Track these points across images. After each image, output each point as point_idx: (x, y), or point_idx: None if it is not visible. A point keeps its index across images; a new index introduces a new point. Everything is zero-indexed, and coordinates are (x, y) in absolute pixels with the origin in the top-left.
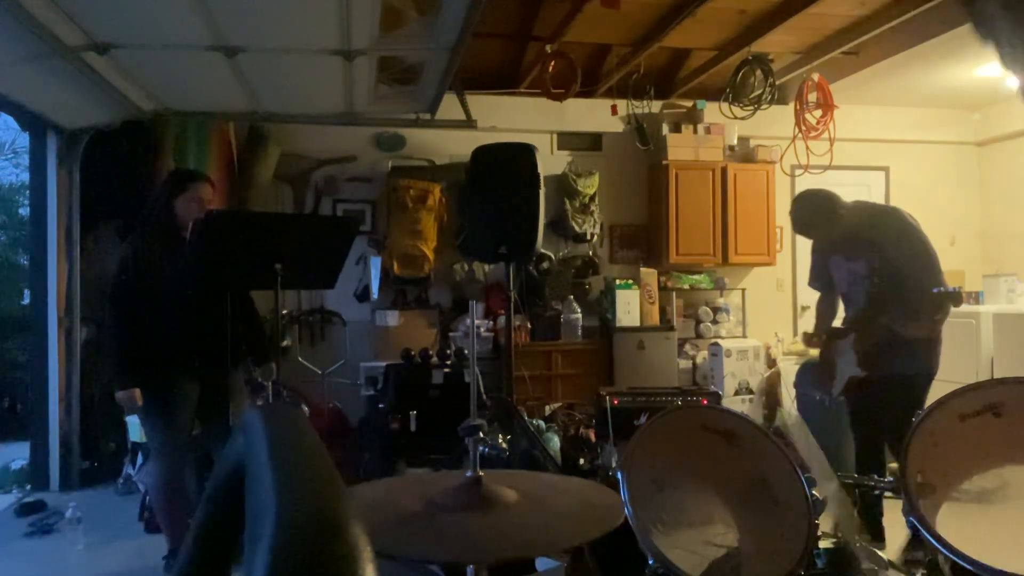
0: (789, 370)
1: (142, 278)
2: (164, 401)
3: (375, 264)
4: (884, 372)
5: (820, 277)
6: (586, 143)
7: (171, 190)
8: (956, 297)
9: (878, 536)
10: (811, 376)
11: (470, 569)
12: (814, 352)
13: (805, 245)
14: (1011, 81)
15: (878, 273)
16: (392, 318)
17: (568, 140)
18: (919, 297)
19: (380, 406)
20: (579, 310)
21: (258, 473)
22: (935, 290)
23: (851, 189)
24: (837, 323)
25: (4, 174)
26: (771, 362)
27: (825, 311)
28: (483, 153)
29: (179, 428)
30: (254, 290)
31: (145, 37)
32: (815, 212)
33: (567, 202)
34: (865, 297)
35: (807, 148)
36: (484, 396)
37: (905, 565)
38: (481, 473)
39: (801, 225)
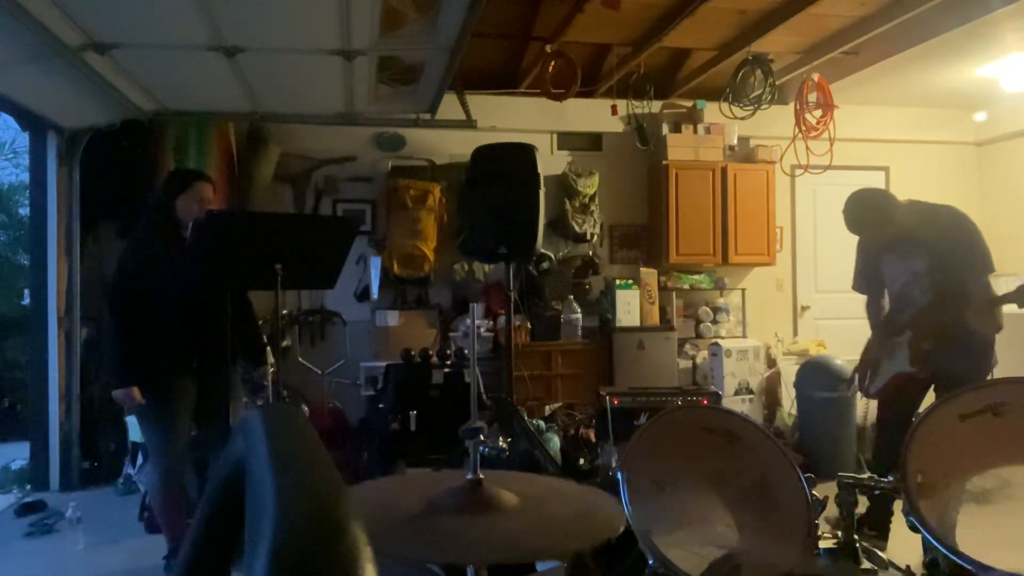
0: (789, 370)
1: (142, 277)
2: (163, 402)
3: (375, 264)
4: (945, 372)
5: (866, 277)
6: (586, 143)
7: (172, 189)
8: None
9: (883, 536)
10: (855, 372)
11: (470, 569)
12: (813, 351)
13: (806, 245)
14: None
15: (939, 270)
16: (392, 318)
17: (568, 140)
18: (989, 291)
19: (380, 406)
20: (579, 310)
21: (258, 473)
22: (1019, 283)
23: (851, 189)
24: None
25: (4, 174)
26: (771, 362)
27: (875, 313)
28: (483, 153)
29: (178, 429)
30: (254, 290)
31: (145, 37)
32: (870, 210)
33: (567, 202)
34: (928, 295)
35: (807, 148)
36: (484, 396)
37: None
38: (481, 475)
39: (855, 224)
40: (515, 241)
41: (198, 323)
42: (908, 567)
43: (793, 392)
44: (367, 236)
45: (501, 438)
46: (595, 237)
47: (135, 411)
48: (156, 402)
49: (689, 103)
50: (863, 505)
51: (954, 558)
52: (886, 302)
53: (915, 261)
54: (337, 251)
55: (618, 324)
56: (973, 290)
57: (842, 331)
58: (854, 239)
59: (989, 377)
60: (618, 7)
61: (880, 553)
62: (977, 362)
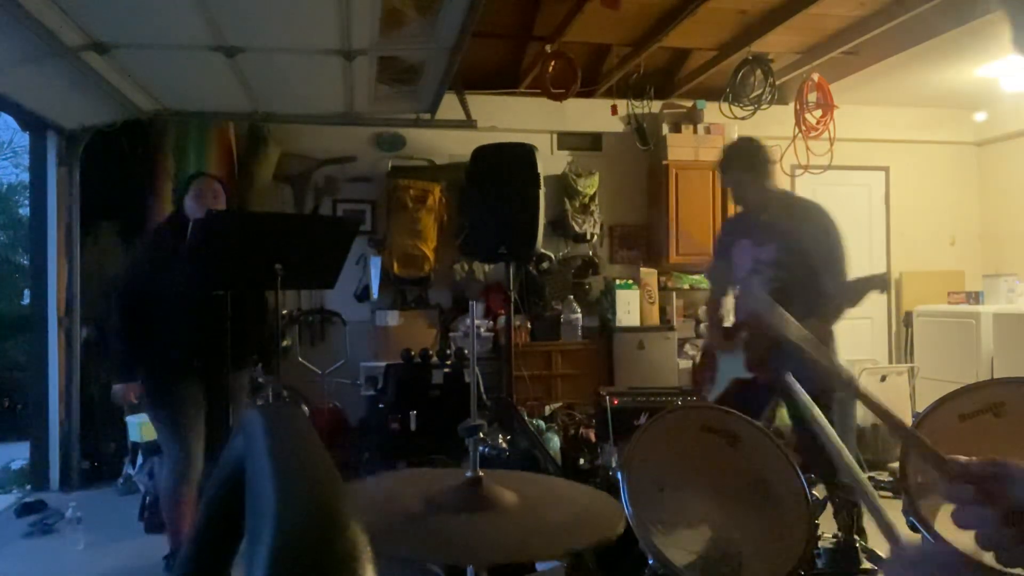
0: None
1: (152, 275)
2: (177, 402)
3: (375, 264)
4: (779, 381)
5: (716, 262)
6: (586, 143)
7: (179, 192)
8: (881, 281)
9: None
10: (694, 377)
11: (470, 569)
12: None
13: None
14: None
15: (784, 265)
16: (392, 318)
17: (568, 140)
18: (816, 297)
19: (380, 406)
20: (579, 310)
21: (258, 473)
22: (851, 280)
23: (851, 189)
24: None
25: (4, 174)
26: None
27: (712, 306)
28: (483, 153)
29: (194, 429)
30: (253, 290)
31: (145, 37)
32: (748, 150)
33: (567, 202)
34: (766, 289)
35: (807, 148)
36: (484, 396)
37: None
38: (481, 473)
39: (731, 159)
40: (515, 241)
41: (203, 324)
42: None
43: None
44: (367, 236)
45: (501, 437)
46: (595, 237)
47: (149, 412)
48: (171, 402)
49: (689, 103)
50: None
51: None
52: (730, 299)
53: (764, 250)
54: (337, 251)
55: (618, 324)
56: (812, 292)
57: (842, 331)
58: (854, 239)
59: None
60: (618, 7)
61: (880, 553)
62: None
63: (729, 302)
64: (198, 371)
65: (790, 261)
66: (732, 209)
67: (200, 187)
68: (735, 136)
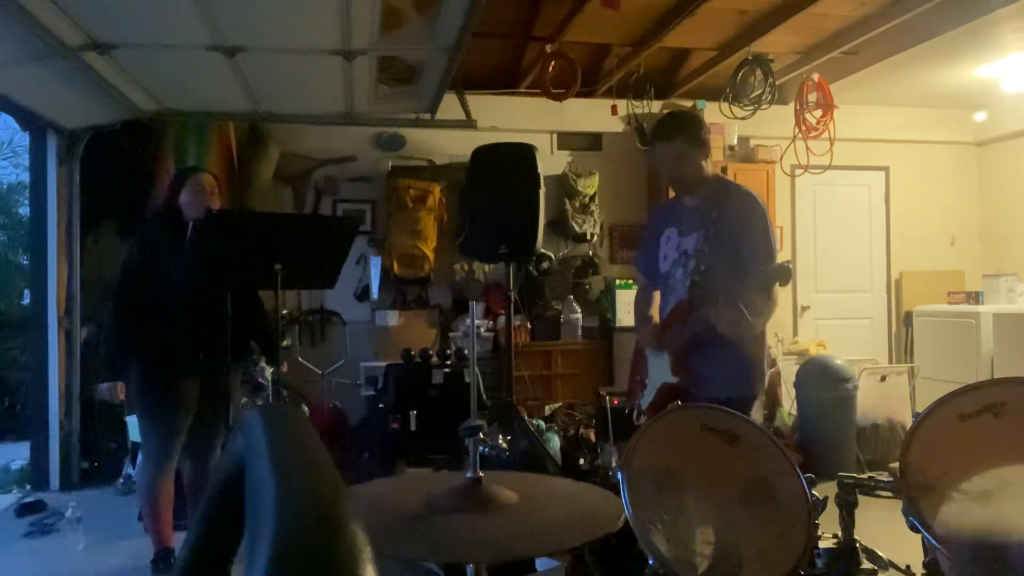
0: (789, 370)
1: (145, 275)
2: (165, 402)
3: (375, 264)
4: (699, 387)
5: (644, 253)
6: (586, 143)
7: (174, 188)
8: (785, 272)
9: None
10: (628, 383)
11: (470, 569)
12: (815, 348)
13: (806, 245)
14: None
15: (707, 257)
16: (392, 318)
17: (568, 140)
18: (738, 284)
19: (380, 406)
20: (579, 310)
21: (258, 473)
22: (761, 269)
23: (851, 189)
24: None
25: (4, 174)
26: (771, 362)
27: (640, 303)
28: (483, 153)
29: (175, 430)
30: (253, 290)
31: (145, 37)
32: (694, 122)
33: (567, 202)
34: (687, 284)
35: (807, 148)
36: (484, 396)
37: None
38: (481, 474)
39: (676, 134)
40: (515, 241)
41: (201, 322)
42: (908, 567)
43: (793, 392)
44: (367, 236)
45: (501, 438)
46: (595, 237)
47: (137, 406)
48: (159, 402)
49: (689, 103)
50: None
51: None
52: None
53: (690, 238)
54: (337, 251)
55: (618, 324)
56: (735, 281)
57: (842, 331)
58: (854, 239)
59: (758, 393)
60: (618, 7)
61: (880, 553)
62: (743, 383)
63: (658, 296)
64: (193, 368)
65: (712, 252)
66: None
67: (198, 183)
68: (735, 136)
